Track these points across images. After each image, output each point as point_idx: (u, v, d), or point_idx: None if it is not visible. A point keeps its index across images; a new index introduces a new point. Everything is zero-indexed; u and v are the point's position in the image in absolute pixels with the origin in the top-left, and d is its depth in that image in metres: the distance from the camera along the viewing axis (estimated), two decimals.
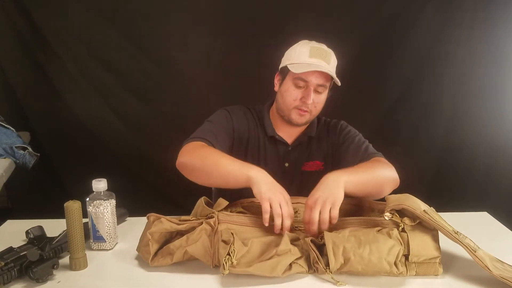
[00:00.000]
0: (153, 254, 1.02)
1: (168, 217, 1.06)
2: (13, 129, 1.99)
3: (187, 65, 2.18)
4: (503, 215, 1.38)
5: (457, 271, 1.02)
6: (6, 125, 1.99)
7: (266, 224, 1.04)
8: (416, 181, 2.22)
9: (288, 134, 1.45)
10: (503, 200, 2.27)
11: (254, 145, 1.44)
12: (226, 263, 0.93)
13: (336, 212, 1.03)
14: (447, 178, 2.29)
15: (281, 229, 1.04)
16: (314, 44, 1.36)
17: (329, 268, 0.95)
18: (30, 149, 1.94)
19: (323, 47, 1.36)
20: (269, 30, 2.09)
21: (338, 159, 1.43)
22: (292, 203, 1.12)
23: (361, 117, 2.23)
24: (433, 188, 2.28)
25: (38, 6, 2.09)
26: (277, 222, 1.04)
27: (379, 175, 1.22)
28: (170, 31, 2.15)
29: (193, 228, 1.03)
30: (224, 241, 0.98)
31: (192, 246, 1.00)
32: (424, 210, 1.00)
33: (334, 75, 1.32)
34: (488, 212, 1.41)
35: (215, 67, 2.18)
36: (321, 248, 1.00)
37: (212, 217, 1.04)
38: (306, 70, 1.29)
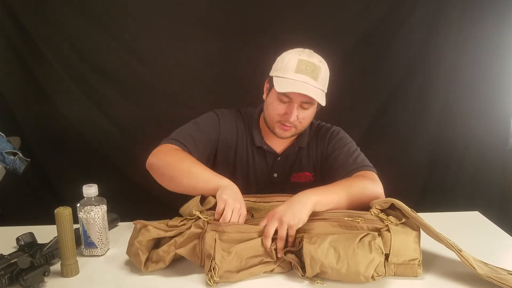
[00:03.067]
0: (144, 262, 1.02)
1: (155, 223, 1.05)
2: (3, 135, 1.97)
3: (178, 67, 2.17)
4: (494, 214, 1.39)
5: (437, 272, 1.02)
6: None
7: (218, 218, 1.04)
8: (407, 181, 2.23)
9: (278, 144, 1.42)
10: (494, 200, 2.29)
11: (242, 154, 1.42)
12: (209, 280, 0.95)
13: (292, 232, 1.01)
14: (438, 178, 2.30)
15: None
16: (304, 56, 1.28)
17: (306, 274, 0.97)
18: (20, 154, 1.93)
19: (313, 60, 1.28)
20: (261, 31, 2.09)
21: (327, 170, 1.38)
22: (269, 201, 1.18)
23: (352, 118, 2.23)
24: (424, 188, 2.29)
25: (27, 10, 2.07)
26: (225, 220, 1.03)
27: (357, 194, 1.15)
28: (160, 33, 2.14)
29: (180, 233, 1.03)
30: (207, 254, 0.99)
31: (181, 249, 1.01)
32: (411, 210, 1.01)
33: (318, 96, 1.25)
34: (479, 212, 1.41)
35: (207, 69, 2.18)
36: (299, 251, 1.00)
37: (199, 218, 1.04)
38: (288, 90, 1.24)
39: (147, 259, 1.03)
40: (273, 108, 1.31)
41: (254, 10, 2.12)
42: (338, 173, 1.29)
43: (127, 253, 1.07)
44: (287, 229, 1.01)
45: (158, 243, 1.05)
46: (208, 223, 1.02)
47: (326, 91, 1.32)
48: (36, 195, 2.24)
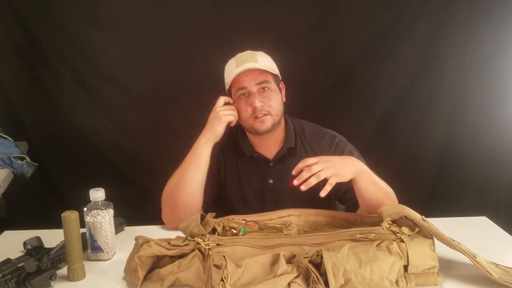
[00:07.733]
0: (142, 279, 0.96)
1: (157, 240, 1.01)
2: (11, 139, 1.99)
3: (184, 72, 2.18)
4: (502, 219, 1.38)
5: (455, 280, 1.01)
6: (3, 135, 1.98)
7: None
8: (414, 186, 2.22)
9: (268, 150, 1.43)
10: (502, 205, 2.27)
11: (232, 170, 1.45)
12: None
13: (333, 181, 1.10)
14: (445, 183, 2.29)
15: None
16: (238, 54, 1.39)
17: None
18: (28, 159, 1.94)
19: (248, 51, 1.38)
20: (266, 35, 2.09)
21: None
22: (282, 217, 1.18)
23: (358, 124, 2.23)
24: (431, 193, 2.28)
25: (34, 16, 2.09)
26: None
27: (386, 190, 1.26)
28: (166, 39, 2.16)
29: (183, 254, 0.99)
30: (216, 266, 0.93)
31: (184, 272, 0.96)
32: (422, 218, 0.99)
33: (263, 66, 1.32)
34: (487, 217, 1.40)
35: (212, 74, 2.17)
36: (319, 265, 0.95)
37: (203, 240, 0.99)
38: (234, 75, 1.32)
39: (146, 279, 0.98)
40: (241, 109, 1.36)
41: (259, 15, 2.13)
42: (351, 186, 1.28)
43: (124, 270, 1.03)
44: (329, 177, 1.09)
45: (157, 264, 1.01)
46: (210, 249, 0.97)
47: (276, 71, 1.39)
48: (43, 199, 2.26)
